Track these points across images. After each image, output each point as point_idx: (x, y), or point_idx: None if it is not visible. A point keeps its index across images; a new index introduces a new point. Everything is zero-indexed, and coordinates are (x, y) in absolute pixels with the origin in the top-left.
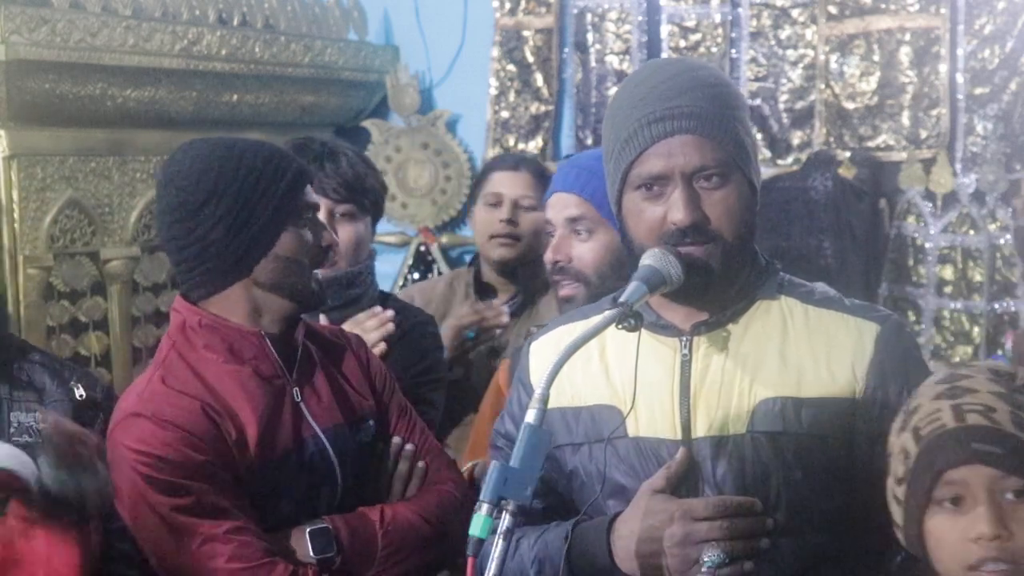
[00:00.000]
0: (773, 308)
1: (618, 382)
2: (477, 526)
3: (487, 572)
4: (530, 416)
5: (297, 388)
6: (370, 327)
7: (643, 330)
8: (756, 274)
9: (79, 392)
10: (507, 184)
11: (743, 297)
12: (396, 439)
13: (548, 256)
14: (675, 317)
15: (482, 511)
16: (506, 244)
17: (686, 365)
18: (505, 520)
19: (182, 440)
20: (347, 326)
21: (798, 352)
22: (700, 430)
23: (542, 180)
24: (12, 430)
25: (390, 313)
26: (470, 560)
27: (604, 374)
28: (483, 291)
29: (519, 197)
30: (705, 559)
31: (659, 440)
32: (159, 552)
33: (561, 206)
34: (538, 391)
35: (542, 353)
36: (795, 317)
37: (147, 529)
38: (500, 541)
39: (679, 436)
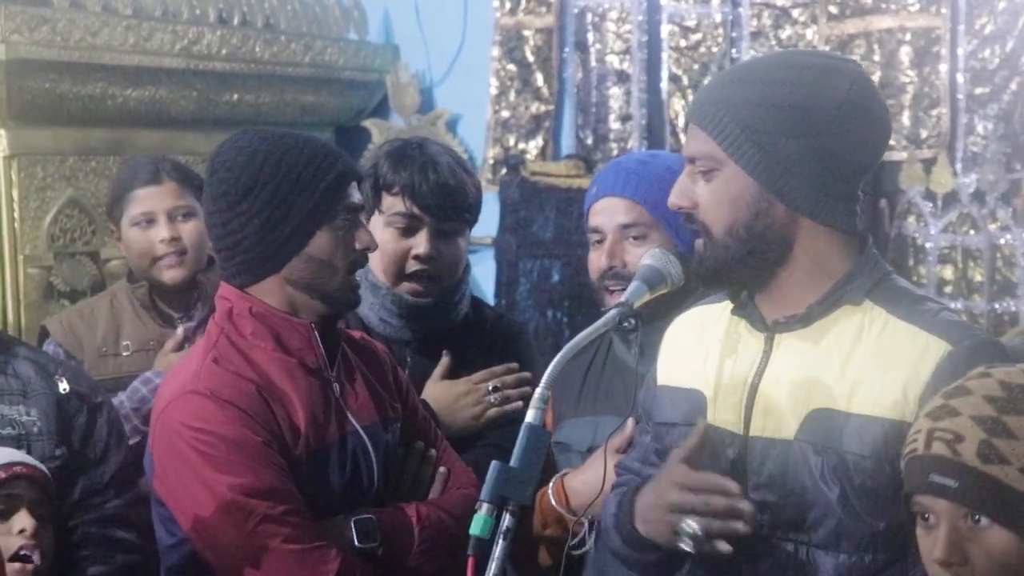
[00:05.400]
0: (855, 315)
1: (710, 369)
2: (477, 525)
3: (488, 572)
4: (530, 416)
5: (337, 384)
6: (510, 382)
7: (742, 320)
8: (847, 277)
9: (63, 386)
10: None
11: (826, 299)
12: (420, 444)
13: (601, 262)
14: (766, 310)
15: (482, 510)
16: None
17: (763, 361)
18: (505, 520)
19: (240, 419)
20: (481, 376)
21: (861, 365)
22: (756, 429)
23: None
24: None
25: (528, 375)
26: (470, 559)
27: (703, 360)
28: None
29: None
30: (681, 526)
31: (725, 431)
32: (209, 531)
33: (611, 211)
34: (538, 391)
35: (675, 333)
36: (873, 327)
37: (198, 508)
38: (500, 540)
39: (742, 431)
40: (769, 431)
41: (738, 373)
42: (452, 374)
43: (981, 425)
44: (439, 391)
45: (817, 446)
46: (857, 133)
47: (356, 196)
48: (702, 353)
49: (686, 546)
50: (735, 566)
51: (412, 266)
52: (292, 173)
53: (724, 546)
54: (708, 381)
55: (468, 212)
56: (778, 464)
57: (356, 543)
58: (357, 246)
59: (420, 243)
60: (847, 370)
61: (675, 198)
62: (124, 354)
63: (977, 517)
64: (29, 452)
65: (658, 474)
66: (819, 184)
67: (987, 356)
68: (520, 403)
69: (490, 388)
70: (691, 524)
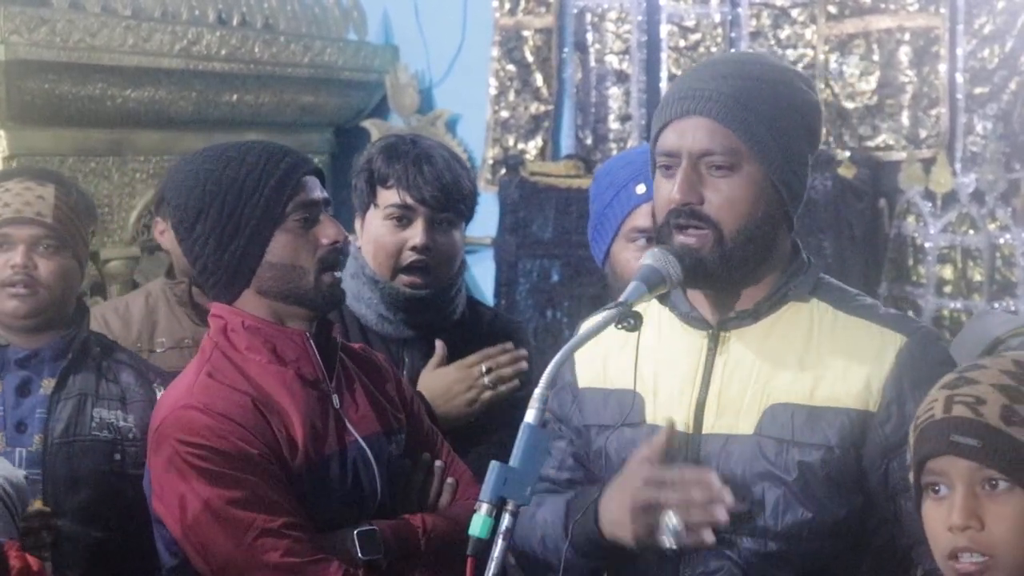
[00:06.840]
0: (803, 311)
1: (646, 370)
2: (477, 526)
3: (487, 572)
4: (529, 416)
5: (336, 395)
6: (503, 362)
7: (677, 319)
8: (790, 274)
9: (160, 393)
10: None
11: (772, 296)
12: (426, 455)
13: None
14: (705, 309)
15: (482, 511)
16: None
17: (709, 359)
18: (505, 520)
19: (235, 432)
20: (474, 359)
21: (818, 359)
22: (710, 426)
23: None
24: (94, 424)
25: (524, 352)
26: (470, 560)
27: (632, 361)
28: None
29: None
30: (663, 522)
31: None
32: (207, 547)
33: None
34: (537, 391)
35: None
36: (823, 322)
37: (195, 523)
38: (500, 541)
39: (691, 429)
40: (725, 428)
41: (682, 372)
42: None
43: (1002, 392)
44: (432, 380)
45: (779, 439)
46: (821, 134)
47: (314, 192)
48: (629, 354)
49: (668, 542)
50: (696, 562)
51: (408, 257)
52: (234, 186)
53: (709, 536)
54: (644, 382)
55: (463, 204)
56: (737, 460)
57: (359, 555)
58: (323, 241)
59: (415, 234)
60: (804, 364)
61: (683, 194)
62: (158, 351)
63: (995, 481)
64: (123, 457)
65: (623, 476)
66: (805, 184)
67: (936, 344)
68: (516, 382)
69: (483, 370)
70: (672, 519)
